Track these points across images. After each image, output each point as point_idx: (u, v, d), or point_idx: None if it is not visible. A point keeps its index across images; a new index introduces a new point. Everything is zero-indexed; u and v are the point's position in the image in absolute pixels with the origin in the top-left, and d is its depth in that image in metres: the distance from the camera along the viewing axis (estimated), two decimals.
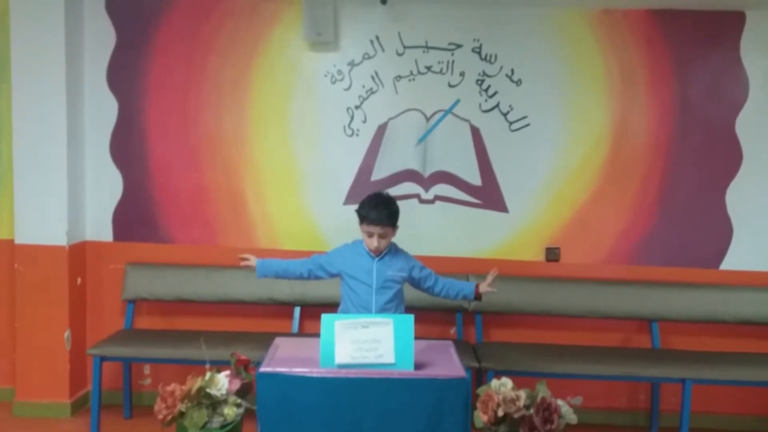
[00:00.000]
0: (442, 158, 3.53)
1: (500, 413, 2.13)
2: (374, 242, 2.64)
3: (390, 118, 3.52)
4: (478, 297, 2.80)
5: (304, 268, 2.74)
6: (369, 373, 2.10)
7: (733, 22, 3.41)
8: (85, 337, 3.59)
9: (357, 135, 3.53)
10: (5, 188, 3.50)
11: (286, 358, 2.27)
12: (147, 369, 3.64)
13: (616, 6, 3.41)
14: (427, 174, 3.54)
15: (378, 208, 2.62)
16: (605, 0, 3.39)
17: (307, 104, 3.52)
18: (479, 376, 3.12)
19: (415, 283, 2.78)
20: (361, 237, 2.76)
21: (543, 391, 2.19)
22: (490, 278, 2.77)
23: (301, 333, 3.50)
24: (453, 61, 3.47)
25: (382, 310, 2.65)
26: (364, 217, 2.65)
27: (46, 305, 3.40)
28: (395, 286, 2.72)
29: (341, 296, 2.82)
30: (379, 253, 2.70)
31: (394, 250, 2.76)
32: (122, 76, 3.53)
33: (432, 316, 3.43)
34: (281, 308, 3.52)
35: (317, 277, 2.75)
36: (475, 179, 3.54)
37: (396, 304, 2.74)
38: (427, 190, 3.55)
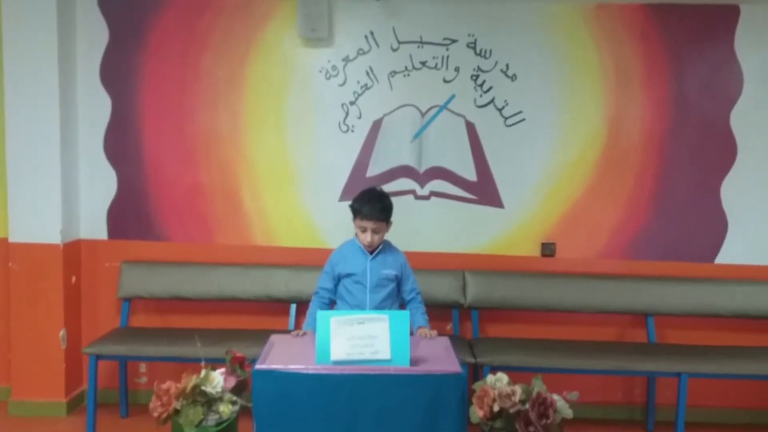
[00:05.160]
0: (438, 154, 3.52)
1: (496, 408, 2.14)
2: (368, 237, 2.64)
3: (385, 114, 3.51)
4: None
5: (327, 296, 2.78)
6: (365, 369, 2.10)
7: (728, 15, 3.41)
8: (80, 336, 3.58)
9: (352, 131, 3.52)
10: None
11: (282, 355, 2.26)
12: (143, 367, 3.63)
13: (611, 0, 3.40)
14: (422, 170, 3.54)
15: (371, 203, 2.63)
16: None
17: (302, 100, 3.51)
18: (475, 372, 3.13)
19: (398, 280, 2.78)
20: (353, 236, 2.76)
21: (539, 386, 2.19)
22: (429, 333, 2.64)
23: (297, 330, 3.49)
24: (448, 57, 3.46)
25: (377, 308, 2.65)
26: (357, 211, 2.65)
27: (41, 304, 3.39)
28: (389, 284, 2.73)
29: (336, 296, 2.82)
30: (372, 249, 2.70)
31: (387, 248, 2.76)
32: (116, 73, 3.51)
33: (428, 312, 3.42)
34: (277, 305, 3.52)
35: (336, 288, 2.79)
36: (471, 175, 3.53)
37: (390, 303, 2.75)
38: (422, 186, 3.54)
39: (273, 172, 3.55)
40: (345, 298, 2.74)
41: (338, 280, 2.76)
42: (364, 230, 2.65)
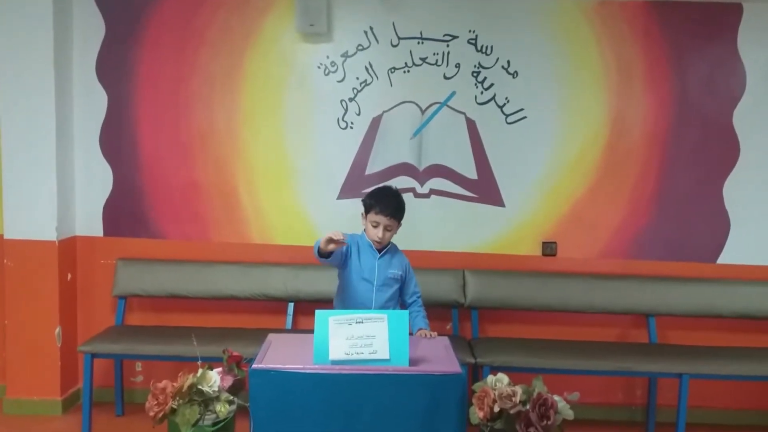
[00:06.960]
0: (438, 151, 3.49)
1: (496, 409, 2.12)
2: (379, 233, 2.61)
3: (384, 111, 3.48)
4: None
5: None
6: (363, 369, 2.06)
7: (731, 13, 3.38)
8: (75, 334, 3.55)
9: (351, 128, 3.49)
10: None
11: (279, 354, 2.23)
12: (139, 366, 3.60)
13: None
14: (422, 168, 3.51)
15: (388, 199, 2.62)
16: None
17: (300, 96, 3.48)
18: (475, 372, 3.10)
19: (402, 282, 2.75)
20: (358, 233, 2.73)
21: (539, 386, 2.17)
22: (429, 334, 2.60)
23: (295, 329, 3.46)
24: (448, 53, 3.43)
25: (382, 308, 2.63)
26: (372, 205, 2.62)
27: (36, 301, 3.36)
28: (394, 284, 2.71)
29: (336, 293, 2.78)
30: (381, 247, 2.67)
31: (393, 249, 2.74)
32: (112, 68, 3.47)
33: (428, 312, 3.39)
34: (274, 304, 3.49)
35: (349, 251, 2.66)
36: (471, 173, 3.50)
37: (393, 304, 2.74)
38: (422, 184, 3.51)
39: (270, 169, 3.52)
40: (350, 295, 2.68)
41: (349, 253, 2.66)
42: (376, 225, 2.62)
